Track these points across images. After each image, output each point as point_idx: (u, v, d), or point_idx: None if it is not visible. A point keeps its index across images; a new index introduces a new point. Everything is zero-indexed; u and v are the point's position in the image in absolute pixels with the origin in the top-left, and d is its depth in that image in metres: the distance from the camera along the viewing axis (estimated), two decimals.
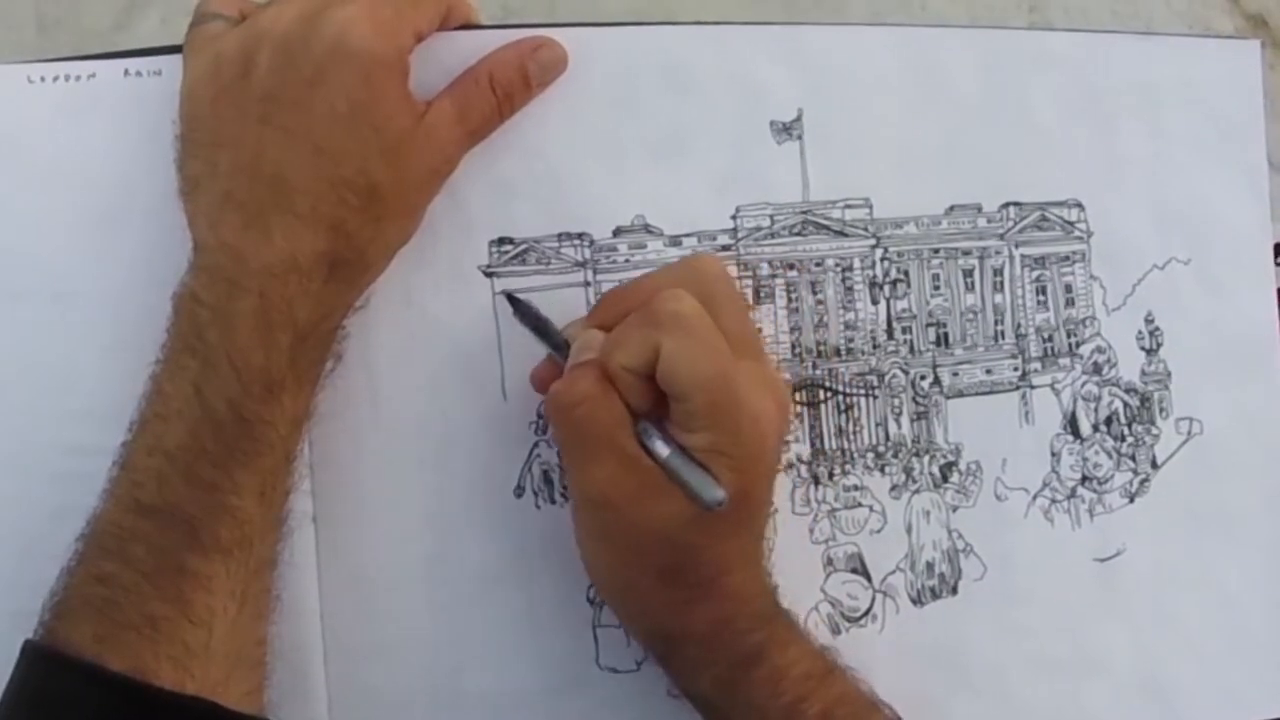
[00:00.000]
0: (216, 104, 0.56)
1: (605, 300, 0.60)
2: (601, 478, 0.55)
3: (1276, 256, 0.73)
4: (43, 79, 0.62)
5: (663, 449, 0.55)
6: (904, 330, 0.66)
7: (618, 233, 0.63)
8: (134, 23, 0.80)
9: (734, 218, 0.64)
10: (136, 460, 0.53)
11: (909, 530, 0.66)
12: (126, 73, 0.62)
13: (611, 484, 0.55)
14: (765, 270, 0.65)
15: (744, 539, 0.58)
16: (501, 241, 0.62)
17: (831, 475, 0.65)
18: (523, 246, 0.62)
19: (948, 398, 0.67)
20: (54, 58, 0.63)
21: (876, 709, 0.58)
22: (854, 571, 0.65)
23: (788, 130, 0.65)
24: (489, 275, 0.62)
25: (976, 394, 0.67)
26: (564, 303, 0.62)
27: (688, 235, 0.64)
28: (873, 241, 0.66)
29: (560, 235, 0.63)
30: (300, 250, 0.55)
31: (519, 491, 0.63)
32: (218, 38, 0.57)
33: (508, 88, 0.61)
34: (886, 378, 0.66)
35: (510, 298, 0.61)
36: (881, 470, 0.66)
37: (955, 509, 0.66)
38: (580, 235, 0.63)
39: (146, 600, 0.51)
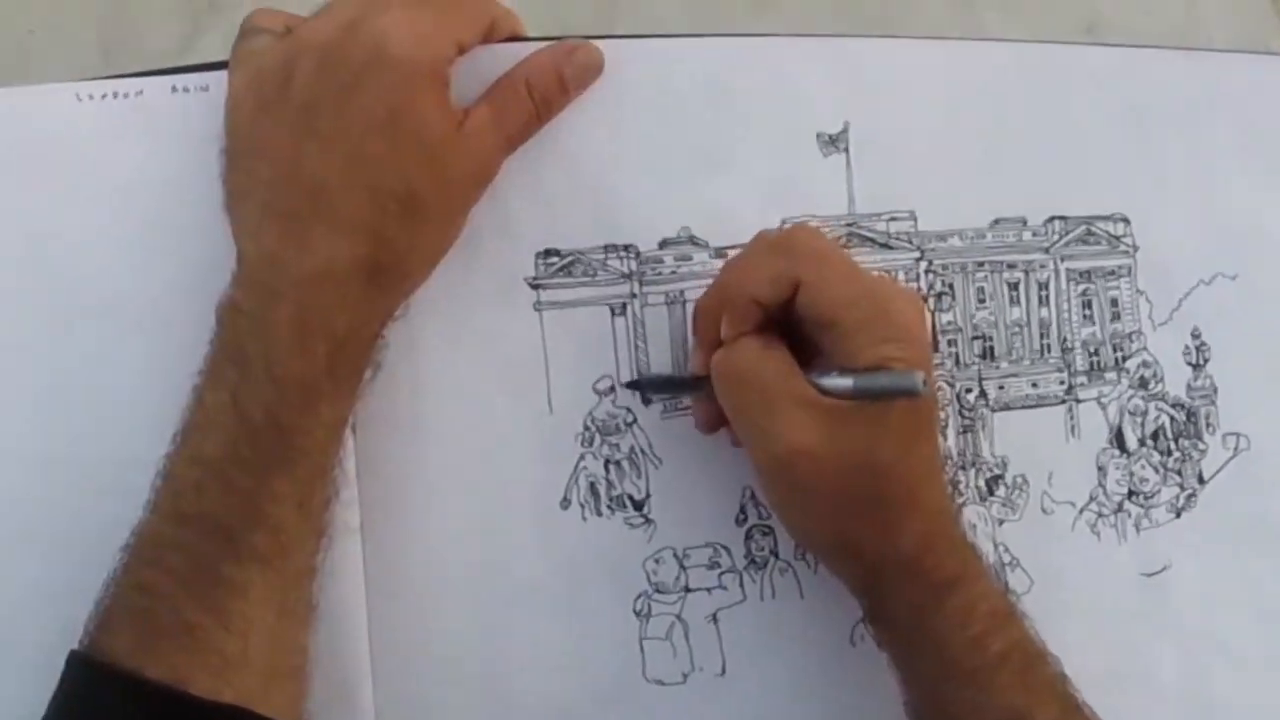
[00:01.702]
0: (258, 115, 0.57)
1: (702, 312, 0.60)
2: (790, 431, 0.56)
3: None
4: (91, 96, 0.62)
5: (844, 380, 0.55)
6: (949, 343, 0.66)
7: (664, 244, 0.63)
8: (196, 46, 0.80)
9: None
10: (177, 470, 0.54)
11: None
12: (174, 89, 0.63)
13: (801, 432, 0.55)
14: None
15: (927, 446, 0.59)
16: (548, 253, 0.63)
17: None
18: (569, 258, 0.63)
19: (994, 411, 0.67)
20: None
21: (1046, 659, 0.58)
22: None
23: (834, 143, 0.65)
24: (535, 287, 0.63)
25: (1023, 407, 0.67)
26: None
27: (733, 247, 0.63)
28: (917, 254, 0.66)
29: (606, 247, 0.63)
30: (338, 258, 0.55)
31: (565, 503, 0.63)
32: (261, 51, 0.58)
33: (544, 93, 0.61)
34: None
35: (630, 385, 0.63)
36: None
37: (1002, 522, 0.66)
38: (626, 247, 0.63)
39: (184, 609, 0.51)
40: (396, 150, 0.56)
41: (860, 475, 0.56)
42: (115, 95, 0.62)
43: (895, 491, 0.57)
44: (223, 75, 0.60)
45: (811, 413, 0.55)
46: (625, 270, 0.63)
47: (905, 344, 0.56)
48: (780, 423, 0.56)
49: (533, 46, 0.62)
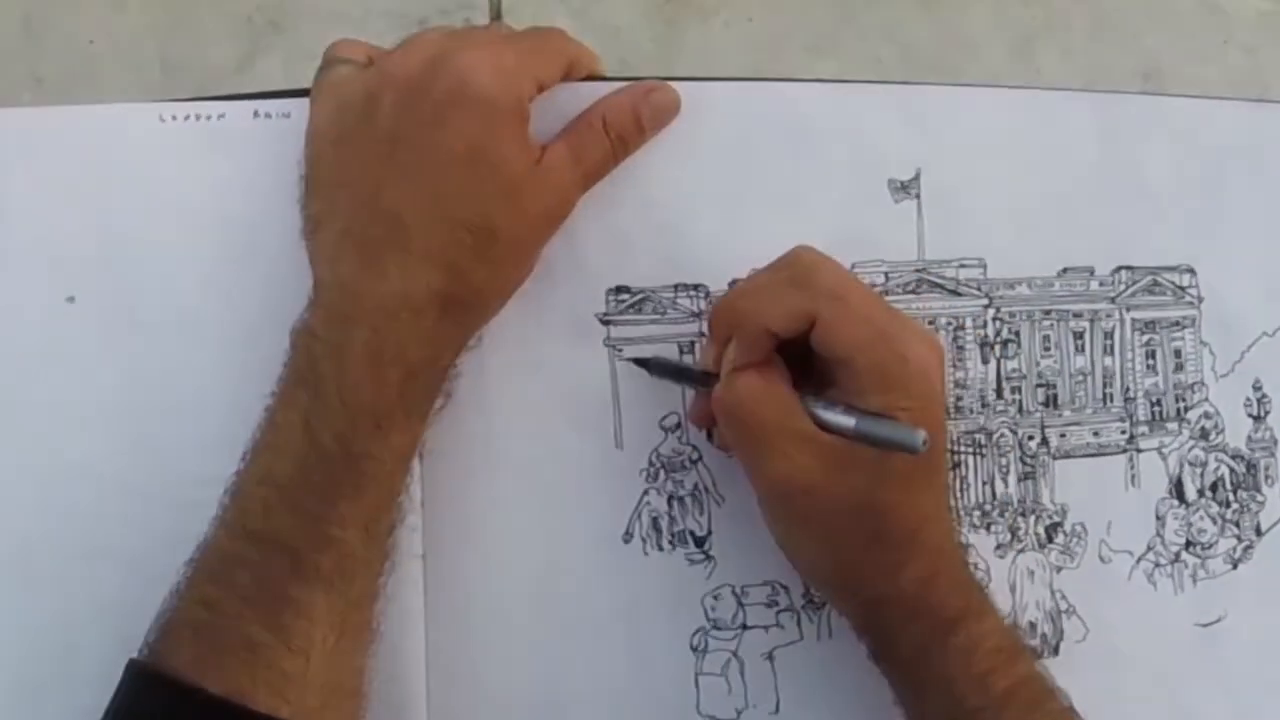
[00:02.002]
0: (340, 144, 0.58)
1: (719, 317, 0.60)
2: (785, 466, 0.56)
3: None
4: (174, 118, 0.63)
5: (847, 419, 0.55)
6: (1013, 390, 0.67)
7: (733, 285, 0.63)
8: (256, 65, 0.81)
9: None
10: (246, 489, 0.54)
11: (1013, 589, 0.66)
12: (255, 114, 0.63)
13: (796, 469, 0.56)
14: None
15: (933, 490, 0.59)
16: (619, 290, 0.63)
17: None
18: (639, 295, 0.63)
19: (1055, 459, 0.67)
20: (181, 98, 0.64)
21: (1055, 695, 0.58)
22: None
23: (905, 189, 0.65)
24: (605, 323, 0.63)
25: (1083, 456, 0.67)
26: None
27: None
28: (985, 301, 0.66)
29: (676, 286, 0.64)
30: (414, 288, 0.55)
31: (627, 537, 0.63)
32: (344, 81, 0.59)
33: (621, 131, 0.62)
34: (994, 437, 0.66)
35: (637, 361, 0.62)
36: (987, 529, 0.66)
37: (1059, 570, 0.66)
38: (696, 286, 0.64)
39: (247, 625, 0.52)
40: (475, 184, 0.56)
41: (859, 514, 0.56)
42: (198, 117, 0.63)
43: (895, 531, 0.57)
44: (304, 103, 0.60)
45: (809, 449, 0.56)
46: (694, 309, 0.64)
47: (915, 394, 0.56)
48: (777, 458, 0.56)
49: (610, 86, 0.62)
